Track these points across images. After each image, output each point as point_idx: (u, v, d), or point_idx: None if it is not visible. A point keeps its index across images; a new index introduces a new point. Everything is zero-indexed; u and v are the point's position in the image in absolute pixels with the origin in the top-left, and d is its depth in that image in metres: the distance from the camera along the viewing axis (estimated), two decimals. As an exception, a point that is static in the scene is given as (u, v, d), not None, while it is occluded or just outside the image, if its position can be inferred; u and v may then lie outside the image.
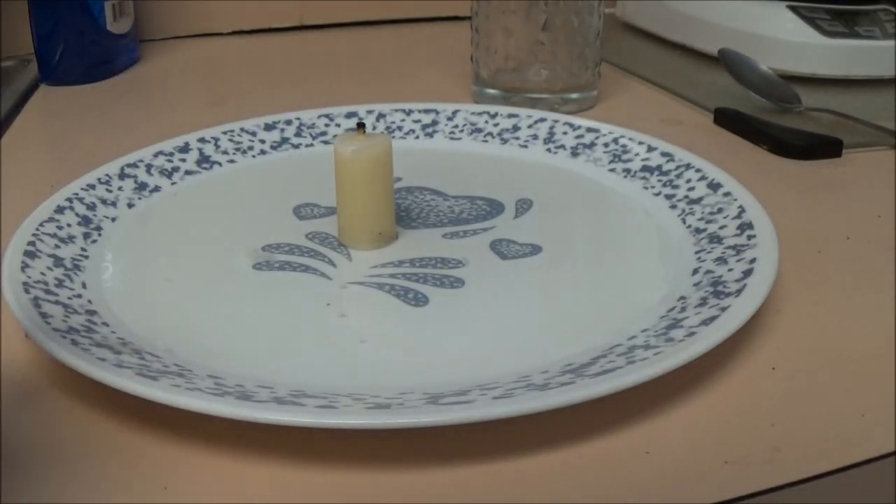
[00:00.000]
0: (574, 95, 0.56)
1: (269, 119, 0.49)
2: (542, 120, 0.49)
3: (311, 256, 0.37)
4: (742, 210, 0.37)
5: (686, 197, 0.40)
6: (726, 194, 0.39)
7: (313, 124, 0.50)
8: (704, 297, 0.31)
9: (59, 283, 0.33)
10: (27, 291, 0.31)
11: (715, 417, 0.27)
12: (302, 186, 0.44)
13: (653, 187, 0.42)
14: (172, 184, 0.43)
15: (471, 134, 0.50)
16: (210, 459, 0.25)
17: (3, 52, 0.70)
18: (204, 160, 0.45)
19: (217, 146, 0.47)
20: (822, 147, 0.48)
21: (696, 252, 0.36)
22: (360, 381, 0.28)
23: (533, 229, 0.39)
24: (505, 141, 0.49)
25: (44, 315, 0.30)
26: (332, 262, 0.36)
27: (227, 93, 0.62)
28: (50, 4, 0.63)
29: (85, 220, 0.38)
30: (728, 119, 0.53)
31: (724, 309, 0.29)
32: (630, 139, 0.46)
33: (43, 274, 0.33)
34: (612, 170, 0.45)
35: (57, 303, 0.31)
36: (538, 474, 0.25)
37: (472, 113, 0.51)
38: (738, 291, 0.30)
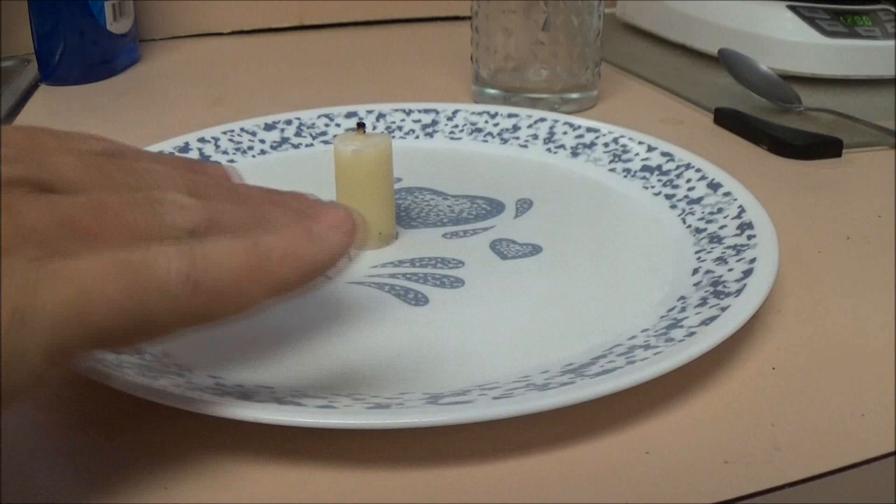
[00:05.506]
0: (574, 95, 0.56)
1: (269, 119, 0.49)
2: (542, 120, 0.49)
3: (311, 256, 0.37)
4: (742, 210, 0.37)
5: (686, 197, 0.40)
6: (726, 194, 0.39)
7: (313, 124, 0.50)
8: (704, 297, 0.31)
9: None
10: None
11: (715, 417, 0.27)
12: (302, 186, 0.43)
13: (653, 187, 0.42)
14: (172, 184, 0.43)
15: (471, 134, 0.50)
16: (210, 459, 0.25)
17: (3, 52, 0.70)
18: (204, 160, 0.45)
19: (217, 146, 0.47)
20: (822, 147, 0.48)
21: (696, 252, 0.36)
22: (360, 381, 0.28)
23: (533, 229, 0.39)
24: (505, 141, 0.49)
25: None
26: (332, 262, 0.36)
27: (227, 93, 0.62)
28: (50, 4, 0.63)
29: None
30: (728, 119, 0.53)
31: (724, 309, 0.29)
32: (630, 139, 0.46)
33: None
34: (612, 170, 0.45)
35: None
36: (538, 474, 0.25)
37: (472, 113, 0.51)
38: (738, 291, 0.30)
